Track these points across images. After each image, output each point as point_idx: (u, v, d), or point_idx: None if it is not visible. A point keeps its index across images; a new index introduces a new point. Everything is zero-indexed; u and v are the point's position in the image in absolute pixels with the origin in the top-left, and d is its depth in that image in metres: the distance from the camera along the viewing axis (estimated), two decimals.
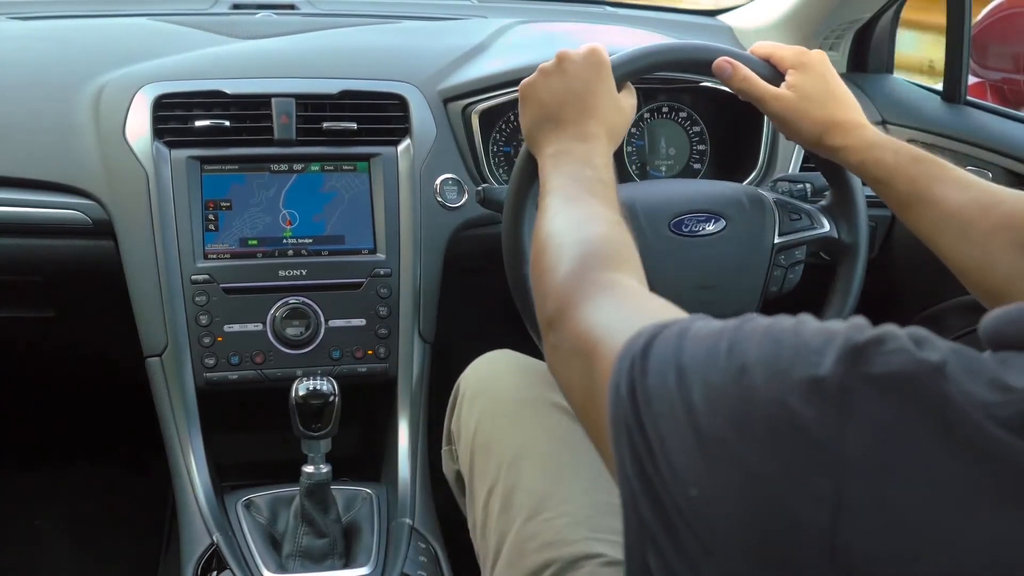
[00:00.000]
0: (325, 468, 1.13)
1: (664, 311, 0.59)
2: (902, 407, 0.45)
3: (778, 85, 1.03)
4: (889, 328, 0.48)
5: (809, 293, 1.18)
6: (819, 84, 1.02)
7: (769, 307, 1.13)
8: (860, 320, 0.50)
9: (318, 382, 1.10)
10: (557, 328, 0.69)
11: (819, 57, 1.04)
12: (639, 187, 1.16)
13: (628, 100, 0.99)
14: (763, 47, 1.07)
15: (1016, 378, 0.45)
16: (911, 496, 0.44)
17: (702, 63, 1.05)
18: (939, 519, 0.43)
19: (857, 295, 1.14)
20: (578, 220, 0.77)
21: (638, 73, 1.03)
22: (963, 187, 0.91)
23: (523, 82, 0.97)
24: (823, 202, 1.16)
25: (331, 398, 1.10)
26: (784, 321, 0.51)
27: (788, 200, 1.16)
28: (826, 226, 1.13)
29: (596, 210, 0.79)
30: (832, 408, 0.45)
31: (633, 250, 0.75)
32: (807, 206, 1.15)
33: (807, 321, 0.51)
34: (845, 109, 1.01)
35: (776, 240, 1.12)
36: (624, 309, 0.63)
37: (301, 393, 1.10)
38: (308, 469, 1.13)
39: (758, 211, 1.12)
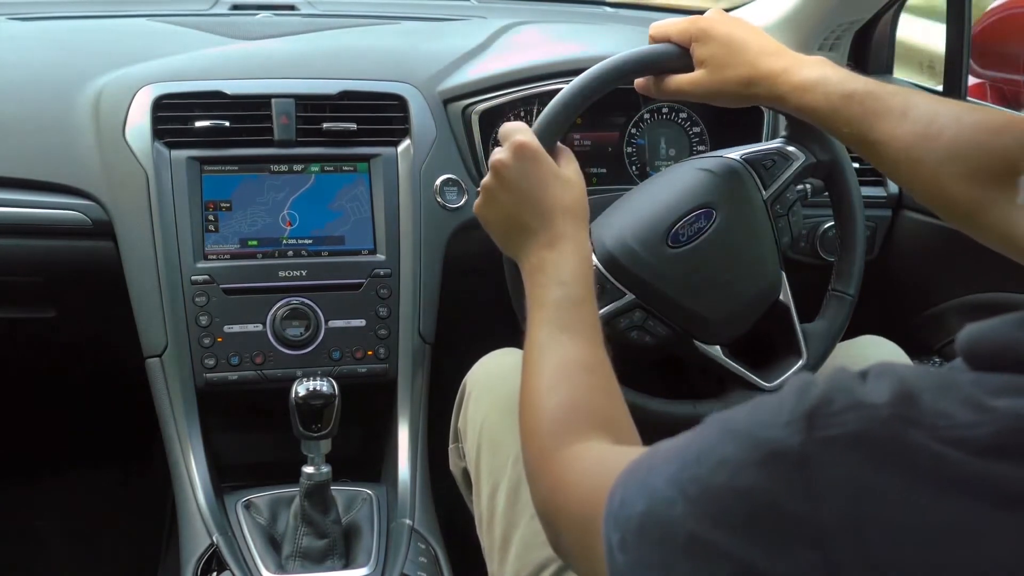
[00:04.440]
0: (325, 469, 1.13)
1: (626, 457, 0.61)
2: (867, 463, 0.45)
3: (691, 62, 1.02)
4: (834, 382, 0.48)
5: (811, 288, 1.19)
6: (725, 48, 0.99)
7: (792, 264, 1.14)
8: (803, 379, 0.50)
9: (318, 382, 1.10)
10: (544, 508, 0.74)
11: (714, 18, 1.02)
12: (622, 214, 1.13)
13: (571, 168, 0.96)
14: (658, 30, 1.05)
15: (992, 398, 0.45)
16: (901, 547, 0.43)
17: (618, 79, 1.04)
18: (934, 562, 0.43)
19: (860, 206, 1.14)
20: (549, 383, 0.80)
21: (563, 129, 1.02)
22: (902, 118, 0.87)
23: (475, 206, 0.96)
24: (785, 133, 1.15)
25: (331, 399, 1.10)
26: (738, 412, 0.53)
27: (753, 151, 1.14)
28: (800, 156, 1.12)
29: (568, 356, 0.81)
30: (799, 480, 0.46)
31: (601, 388, 0.80)
32: (773, 146, 1.14)
33: (757, 402, 0.52)
34: (761, 59, 0.98)
35: (765, 196, 1.11)
36: (592, 476, 0.66)
37: (301, 394, 1.10)
38: (308, 470, 1.12)
39: (737, 181, 1.11)
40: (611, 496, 0.58)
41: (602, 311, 1.07)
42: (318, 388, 1.10)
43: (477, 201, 0.96)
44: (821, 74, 0.94)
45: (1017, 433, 0.43)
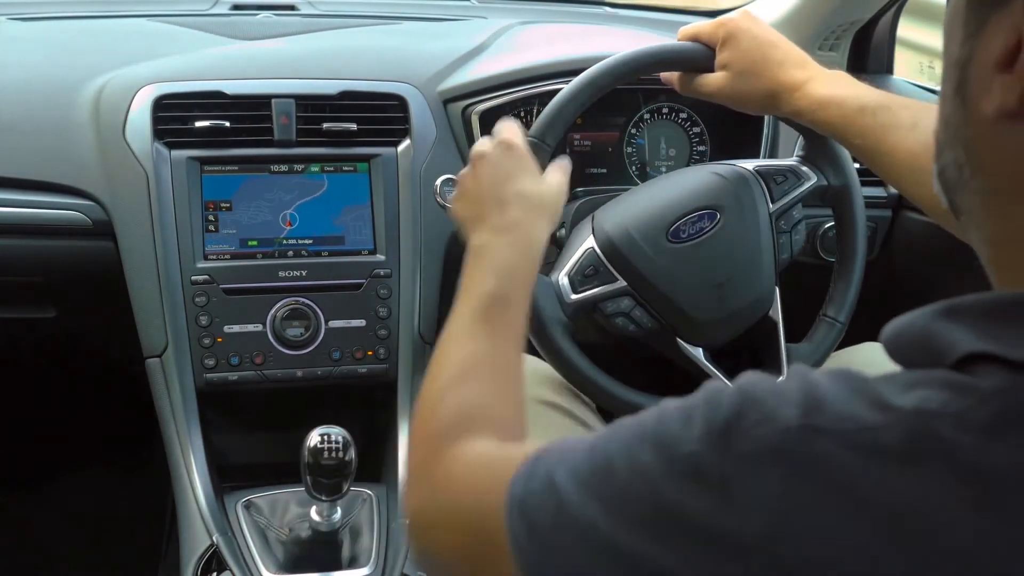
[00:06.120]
0: (336, 517, 1.13)
1: (514, 453, 0.59)
2: (784, 478, 0.44)
3: (712, 63, 1.03)
4: (745, 392, 0.47)
5: (810, 292, 1.19)
6: (751, 54, 1.00)
7: (785, 273, 1.14)
8: (712, 388, 0.49)
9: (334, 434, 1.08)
10: (424, 511, 0.68)
11: (742, 23, 1.02)
12: (627, 204, 1.13)
13: (555, 175, 0.94)
14: (687, 30, 1.07)
15: (898, 395, 0.44)
16: (822, 562, 0.42)
17: (632, 73, 1.06)
18: (853, 571, 0.42)
19: (864, 232, 1.15)
20: (452, 380, 0.76)
21: (564, 124, 1.04)
22: (911, 129, 0.90)
23: (452, 199, 0.95)
24: (801, 152, 1.15)
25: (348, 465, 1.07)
26: (646, 419, 0.51)
27: (767, 164, 1.15)
28: (812, 176, 1.13)
29: (480, 353, 0.77)
30: (723, 497, 0.45)
31: (505, 393, 0.74)
32: (787, 163, 1.14)
33: (664, 410, 0.51)
34: (784, 71, 0.99)
35: (771, 209, 1.11)
36: (482, 474, 0.63)
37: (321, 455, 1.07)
38: (315, 517, 1.13)
39: (746, 190, 1.11)
40: (513, 487, 0.55)
41: (591, 292, 1.08)
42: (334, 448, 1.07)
43: (453, 194, 0.95)
44: (839, 91, 0.96)
45: (924, 436, 0.42)
